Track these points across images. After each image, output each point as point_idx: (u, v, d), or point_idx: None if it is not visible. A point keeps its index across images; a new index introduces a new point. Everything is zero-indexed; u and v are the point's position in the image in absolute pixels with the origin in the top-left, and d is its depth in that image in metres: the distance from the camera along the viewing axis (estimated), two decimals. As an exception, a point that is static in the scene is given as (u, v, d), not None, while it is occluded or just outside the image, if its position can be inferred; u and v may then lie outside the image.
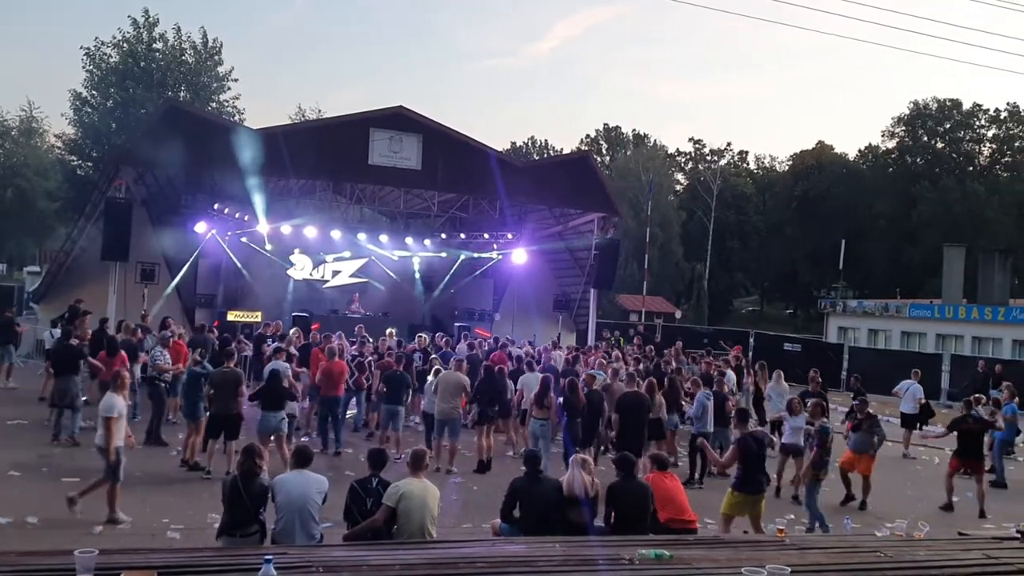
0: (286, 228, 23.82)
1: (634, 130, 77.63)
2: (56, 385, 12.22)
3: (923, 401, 15.95)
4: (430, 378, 12.72)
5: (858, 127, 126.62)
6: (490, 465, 12.00)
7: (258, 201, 20.71)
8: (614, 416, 11.27)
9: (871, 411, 11.76)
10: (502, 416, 13.05)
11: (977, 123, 63.70)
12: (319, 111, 53.12)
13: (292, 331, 16.50)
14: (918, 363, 20.24)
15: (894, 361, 25.63)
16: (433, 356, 14.89)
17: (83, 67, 43.89)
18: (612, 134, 78.25)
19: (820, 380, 14.27)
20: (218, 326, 18.65)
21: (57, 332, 14.88)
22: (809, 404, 11.19)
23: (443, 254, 27.34)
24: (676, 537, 6.22)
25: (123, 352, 13.06)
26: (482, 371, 13.20)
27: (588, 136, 79.38)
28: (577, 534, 6.59)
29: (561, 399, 11.74)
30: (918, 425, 15.94)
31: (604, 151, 75.91)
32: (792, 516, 9.58)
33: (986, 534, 6.68)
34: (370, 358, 14.45)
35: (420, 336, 18.00)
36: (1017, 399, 14.27)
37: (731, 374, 15.47)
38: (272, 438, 10.48)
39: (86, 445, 11.69)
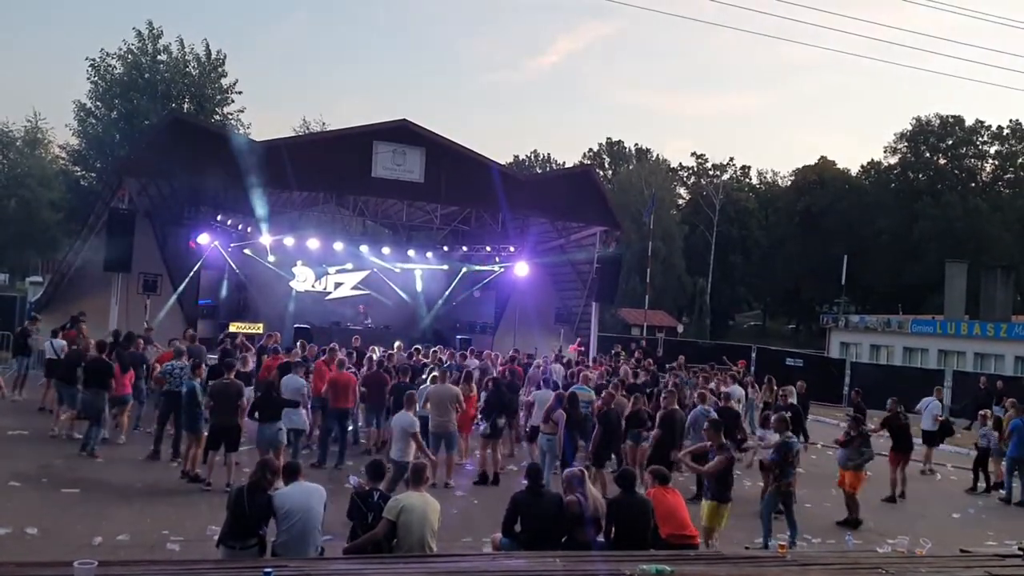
0: (289, 240, 23.88)
1: (636, 144, 78.18)
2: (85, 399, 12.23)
3: (942, 419, 15.86)
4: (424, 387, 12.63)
5: (860, 143, 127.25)
6: (497, 479, 11.87)
7: (261, 213, 20.74)
8: (656, 431, 11.19)
9: (865, 429, 11.61)
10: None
11: (979, 139, 63.83)
12: (323, 123, 53.28)
13: (299, 344, 16.39)
14: (920, 379, 20.22)
15: (896, 377, 25.52)
16: (433, 369, 14.72)
17: (88, 78, 44.00)
18: (614, 148, 78.58)
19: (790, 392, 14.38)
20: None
21: (59, 343, 14.85)
22: (773, 419, 10.91)
23: (445, 267, 27.36)
24: (677, 552, 6.20)
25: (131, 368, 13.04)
26: (489, 384, 13.11)
27: (591, 150, 79.86)
28: (579, 548, 6.55)
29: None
30: (937, 442, 15.89)
31: (606, 165, 76.17)
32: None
33: (988, 551, 6.64)
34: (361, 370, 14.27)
35: (416, 348, 17.75)
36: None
37: (738, 389, 15.43)
38: (272, 450, 10.42)
39: (85, 457, 11.73)
